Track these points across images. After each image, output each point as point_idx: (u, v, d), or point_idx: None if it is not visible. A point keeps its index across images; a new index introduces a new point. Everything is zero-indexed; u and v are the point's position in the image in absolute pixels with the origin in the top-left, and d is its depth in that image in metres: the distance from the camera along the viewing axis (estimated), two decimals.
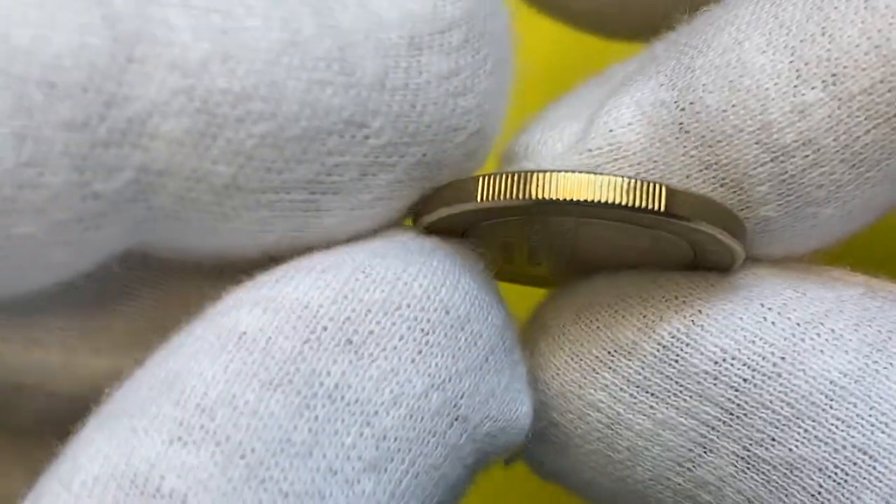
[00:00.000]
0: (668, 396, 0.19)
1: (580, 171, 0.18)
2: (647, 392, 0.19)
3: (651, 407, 0.19)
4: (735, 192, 0.18)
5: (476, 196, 0.18)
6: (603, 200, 0.17)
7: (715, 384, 0.18)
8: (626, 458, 0.19)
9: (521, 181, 0.17)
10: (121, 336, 0.19)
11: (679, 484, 0.19)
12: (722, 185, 0.18)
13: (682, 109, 0.18)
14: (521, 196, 0.17)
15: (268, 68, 0.16)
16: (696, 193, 0.18)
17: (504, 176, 0.18)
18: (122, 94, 0.16)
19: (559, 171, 0.17)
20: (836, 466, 0.18)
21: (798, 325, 0.18)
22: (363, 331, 0.17)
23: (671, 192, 0.17)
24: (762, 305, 0.19)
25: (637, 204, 0.17)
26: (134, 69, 0.16)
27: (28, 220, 0.15)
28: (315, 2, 0.17)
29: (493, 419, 0.18)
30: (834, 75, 0.17)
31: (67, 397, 0.19)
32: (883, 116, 0.17)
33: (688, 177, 0.18)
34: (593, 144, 0.19)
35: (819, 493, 0.18)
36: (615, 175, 0.17)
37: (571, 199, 0.17)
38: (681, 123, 0.18)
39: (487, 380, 0.18)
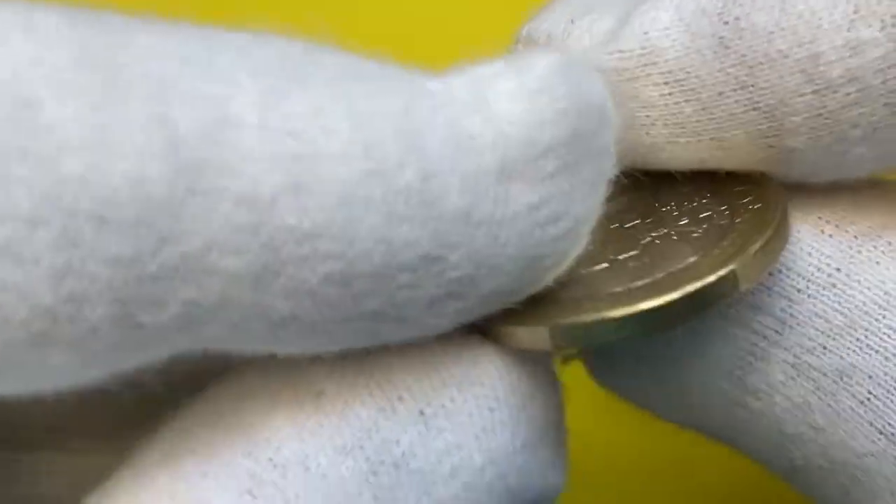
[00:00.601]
0: (721, 307, 0.19)
1: (651, 301, 0.17)
2: None
3: (703, 318, 0.19)
4: (767, 117, 0.18)
5: (549, 346, 0.18)
6: (683, 320, 0.17)
7: (769, 295, 0.19)
8: (676, 369, 0.20)
9: (600, 329, 0.17)
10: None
11: (728, 391, 0.19)
12: (755, 109, 0.18)
13: (726, 23, 0.18)
14: (598, 341, 0.17)
15: (342, 204, 0.15)
16: (757, 258, 0.18)
17: (580, 327, 0.17)
18: (180, 229, 0.14)
19: (634, 310, 0.17)
20: (886, 374, 0.18)
21: (856, 237, 0.19)
22: (436, 404, 0.17)
23: (744, 279, 0.17)
24: (820, 218, 0.19)
25: (715, 303, 0.17)
26: (195, 202, 0.14)
27: (61, 352, 0.14)
28: (402, 121, 0.16)
29: (536, 489, 0.19)
30: (894, 17, 0.17)
31: None
32: None
33: (720, 94, 0.18)
34: (625, 45, 0.18)
35: (868, 399, 0.18)
36: (681, 290, 0.17)
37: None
38: (721, 37, 0.18)
39: (538, 456, 0.18)
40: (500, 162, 0.16)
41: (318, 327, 0.16)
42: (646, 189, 0.19)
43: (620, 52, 0.19)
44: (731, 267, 0.17)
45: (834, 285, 0.18)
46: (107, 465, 0.17)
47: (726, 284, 0.17)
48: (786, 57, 0.17)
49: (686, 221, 0.19)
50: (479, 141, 0.16)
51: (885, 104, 0.17)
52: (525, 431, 0.18)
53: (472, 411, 0.17)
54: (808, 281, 0.19)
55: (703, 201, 0.19)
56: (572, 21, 0.19)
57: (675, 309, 0.17)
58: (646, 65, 0.18)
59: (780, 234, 0.18)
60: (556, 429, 0.19)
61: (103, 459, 0.17)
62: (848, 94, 0.17)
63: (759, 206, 0.18)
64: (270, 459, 0.16)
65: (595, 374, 0.21)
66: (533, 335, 0.17)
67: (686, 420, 0.21)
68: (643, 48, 0.18)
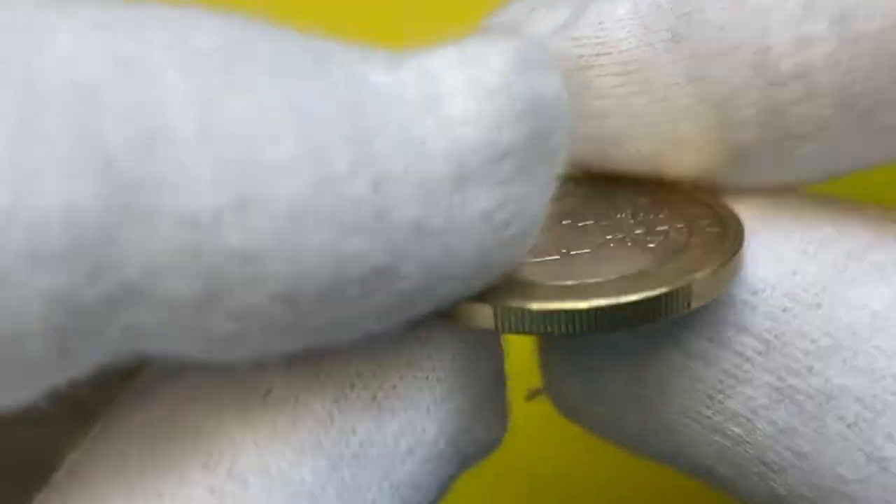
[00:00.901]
0: (703, 328, 0.18)
1: (601, 298, 0.16)
2: (679, 324, 0.18)
3: (685, 339, 0.19)
4: (716, 110, 0.18)
5: (492, 325, 0.17)
6: (630, 325, 0.17)
7: (753, 314, 0.18)
8: (653, 393, 0.19)
9: (548, 319, 0.17)
10: None
11: (708, 417, 0.19)
12: (703, 102, 0.18)
13: (679, 17, 0.18)
14: (544, 330, 0.17)
15: (290, 219, 0.14)
16: (714, 277, 0.17)
17: (527, 314, 0.17)
18: (116, 256, 0.13)
19: (585, 307, 0.16)
20: (874, 396, 0.17)
21: (839, 257, 0.18)
22: (387, 386, 0.17)
23: (697, 297, 0.17)
24: (802, 239, 0.18)
25: (664, 315, 0.17)
26: (132, 225, 0.13)
27: None
28: (351, 124, 0.14)
29: (480, 445, 0.18)
30: (843, 13, 0.17)
31: None
32: (886, 65, 0.17)
33: (671, 86, 0.18)
34: (580, 33, 0.18)
35: (856, 422, 0.17)
36: (637, 295, 0.17)
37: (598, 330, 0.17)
38: (675, 31, 0.18)
39: (484, 413, 0.18)
40: (455, 167, 0.15)
41: (261, 343, 0.15)
42: (602, 193, 0.19)
43: (575, 38, 0.19)
44: (688, 280, 0.17)
45: (820, 305, 0.18)
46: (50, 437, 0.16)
47: (680, 298, 0.17)
48: (736, 49, 0.17)
49: (641, 231, 0.19)
50: (431, 145, 0.15)
51: (833, 101, 0.17)
52: (472, 394, 0.18)
53: (422, 386, 0.17)
54: (794, 301, 0.18)
55: (659, 216, 0.19)
56: (532, 10, 0.19)
57: (626, 312, 0.17)
58: (599, 54, 0.18)
59: (737, 260, 0.18)
60: (498, 383, 0.19)
61: (48, 432, 0.17)
62: (797, 89, 0.17)
63: (716, 230, 0.18)
64: (229, 472, 0.15)
65: (560, 406, 0.20)
66: (478, 313, 0.17)
67: (658, 451, 0.20)
68: (598, 37, 0.18)
